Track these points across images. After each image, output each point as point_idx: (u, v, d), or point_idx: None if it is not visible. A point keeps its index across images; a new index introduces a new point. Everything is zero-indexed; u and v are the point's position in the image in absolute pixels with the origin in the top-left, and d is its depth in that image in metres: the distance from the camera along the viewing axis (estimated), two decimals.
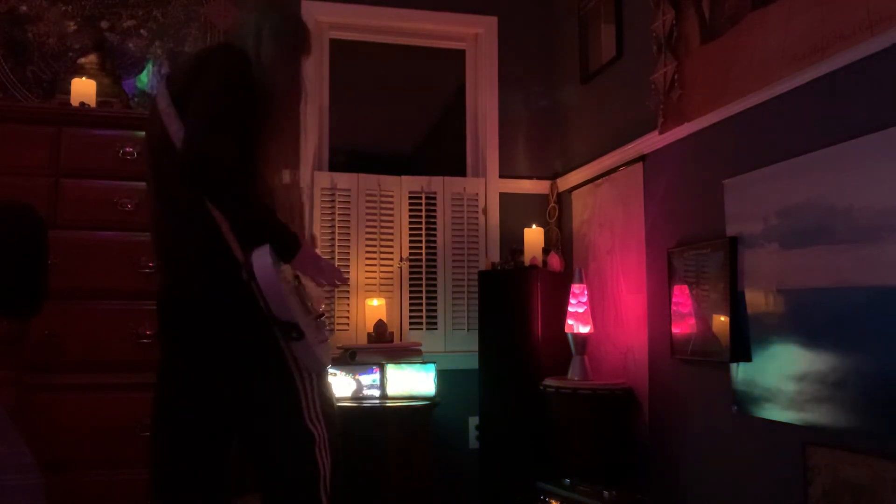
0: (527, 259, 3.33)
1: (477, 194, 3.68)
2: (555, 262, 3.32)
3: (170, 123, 1.71)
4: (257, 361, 1.73)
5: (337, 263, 3.46)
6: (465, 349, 3.52)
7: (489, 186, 3.69)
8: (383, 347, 3.30)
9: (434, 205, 3.63)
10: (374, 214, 3.56)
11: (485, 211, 3.67)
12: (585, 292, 2.98)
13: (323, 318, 1.83)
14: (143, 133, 1.93)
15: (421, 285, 3.58)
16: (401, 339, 3.51)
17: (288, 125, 1.82)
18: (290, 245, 1.70)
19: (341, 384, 3.12)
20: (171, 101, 1.72)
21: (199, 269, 1.73)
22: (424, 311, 3.58)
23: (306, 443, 1.73)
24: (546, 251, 3.39)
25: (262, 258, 1.62)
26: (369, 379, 3.17)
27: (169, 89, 1.76)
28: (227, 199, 1.63)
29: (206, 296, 1.73)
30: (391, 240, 3.58)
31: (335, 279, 1.85)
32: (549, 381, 2.88)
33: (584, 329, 2.93)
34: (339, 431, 1.85)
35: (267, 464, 1.75)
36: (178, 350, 1.80)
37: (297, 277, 1.76)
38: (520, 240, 3.42)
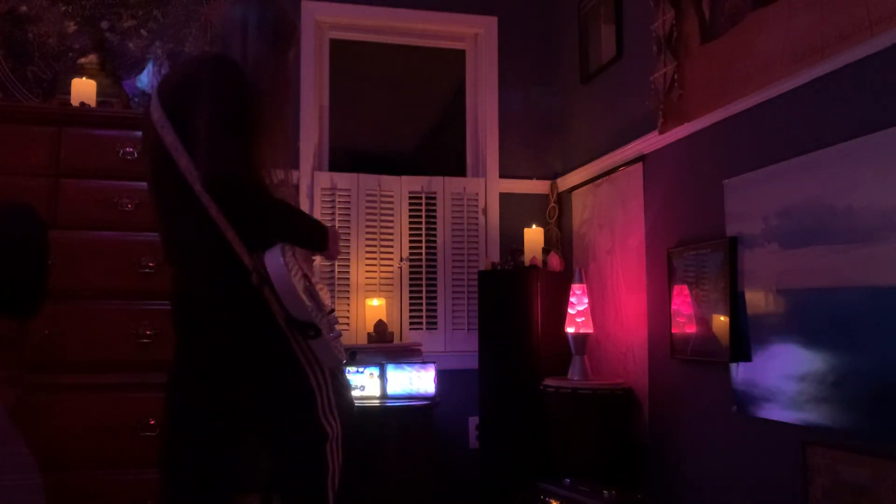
0: (527, 259, 3.33)
1: (477, 194, 3.68)
2: (555, 262, 3.32)
3: (164, 135, 1.70)
4: (271, 364, 1.75)
5: (337, 263, 3.47)
6: (465, 349, 3.52)
7: (489, 186, 3.69)
8: (383, 347, 3.30)
9: (434, 205, 3.63)
10: (374, 214, 3.56)
11: (485, 211, 3.67)
12: (585, 292, 2.98)
13: (334, 313, 1.84)
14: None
15: (421, 285, 3.59)
16: (401, 339, 3.51)
17: (280, 121, 1.81)
18: (323, 235, 1.78)
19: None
20: (165, 114, 1.71)
21: (208, 276, 1.74)
22: (424, 311, 3.58)
23: (319, 439, 1.75)
24: (546, 251, 3.39)
25: (274, 261, 1.63)
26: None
27: (161, 101, 1.74)
28: (257, 215, 1.65)
29: (217, 303, 1.73)
30: (391, 240, 3.58)
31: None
32: (549, 381, 2.88)
33: (584, 329, 2.93)
34: (356, 424, 1.87)
35: (277, 457, 1.77)
36: (191, 353, 1.80)
37: (306, 276, 1.77)
38: (520, 240, 3.42)
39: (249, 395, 1.78)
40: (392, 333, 3.42)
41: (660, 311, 2.68)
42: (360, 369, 3.15)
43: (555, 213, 3.63)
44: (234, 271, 1.69)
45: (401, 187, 3.61)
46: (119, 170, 2.84)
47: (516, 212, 3.66)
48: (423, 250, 3.60)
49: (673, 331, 2.55)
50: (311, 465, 1.75)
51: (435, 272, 3.60)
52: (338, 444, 1.79)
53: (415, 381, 3.19)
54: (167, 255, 1.84)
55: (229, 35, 1.80)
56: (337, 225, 3.49)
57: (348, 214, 3.52)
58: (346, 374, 1.91)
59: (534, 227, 3.44)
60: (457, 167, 3.79)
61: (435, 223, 3.63)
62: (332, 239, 1.82)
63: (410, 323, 3.56)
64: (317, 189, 3.48)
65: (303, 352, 1.74)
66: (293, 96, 1.91)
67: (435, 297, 3.59)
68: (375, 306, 3.43)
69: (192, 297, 1.78)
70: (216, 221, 1.67)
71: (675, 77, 2.57)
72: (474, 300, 3.49)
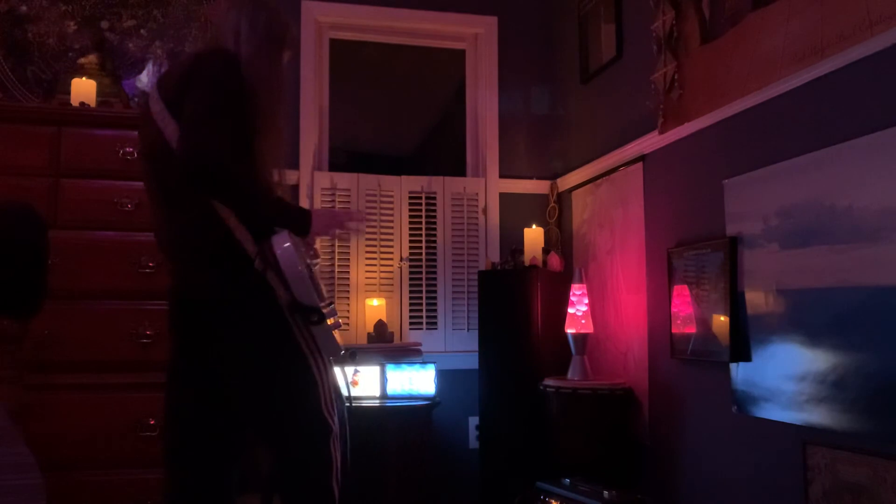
0: (527, 259, 3.33)
1: (477, 194, 3.68)
2: (555, 262, 3.32)
3: (165, 126, 1.71)
4: (274, 355, 1.74)
5: (337, 263, 3.47)
6: (465, 349, 3.52)
7: (489, 186, 3.69)
8: (383, 347, 3.30)
9: (434, 205, 3.63)
10: (374, 214, 3.56)
11: (485, 211, 3.67)
12: (585, 292, 2.98)
13: (333, 304, 1.85)
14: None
15: (421, 285, 3.59)
16: (401, 339, 3.51)
17: (273, 122, 1.82)
18: (302, 218, 1.75)
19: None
20: (165, 106, 1.73)
21: (209, 268, 1.74)
22: (424, 311, 3.58)
23: (323, 434, 1.74)
24: (546, 251, 3.39)
25: (283, 244, 1.64)
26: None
27: (161, 93, 1.76)
28: (230, 192, 1.66)
29: (220, 295, 1.73)
30: (391, 240, 3.58)
31: (358, 222, 1.92)
32: (548, 381, 2.88)
33: (584, 329, 2.93)
34: (347, 422, 1.87)
35: (282, 453, 1.76)
36: (190, 351, 1.80)
37: (307, 264, 1.77)
38: (520, 240, 3.42)
39: (250, 388, 1.77)
40: (392, 333, 3.42)
41: (660, 312, 2.68)
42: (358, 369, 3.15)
43: (555, 213, 3.63)
44: (237, 260, 1.69)
45: (401, 187, 3.61)
46: (119, 170, 2.84)
47: (516, 212, 3.66)
48: (423, 250, 3.60)
49: (673, 331, 2.55)
50: (315, 461, 1.74)
51: (435, 272, 3.60)
52: (337, 437, 1.78)
53: (415, 381, 3.19)
54: (166, 252, 1.83)
55: (223, 38, 1.82)
56: None
57: None
58: (337, 367, 1.90)
59: (534, 227, 3.44)
60: (457, 167, 3.79)
61: (435, 223, 3.63)
62: (317, 217, 1.79)
63: (410, 323, 3.56)
64: (317, 189, 3.48)
65: (305, 340, 1.74)
66: (289, 98, 1.91)
67: (435, 297, 3.59)
68: (375, 306, 3.43)
69: (190, 289, 1.77)
70: (218, 210, 1.68)
71: (675, 77, 2.57)
72: (474, 300, 3.49)
